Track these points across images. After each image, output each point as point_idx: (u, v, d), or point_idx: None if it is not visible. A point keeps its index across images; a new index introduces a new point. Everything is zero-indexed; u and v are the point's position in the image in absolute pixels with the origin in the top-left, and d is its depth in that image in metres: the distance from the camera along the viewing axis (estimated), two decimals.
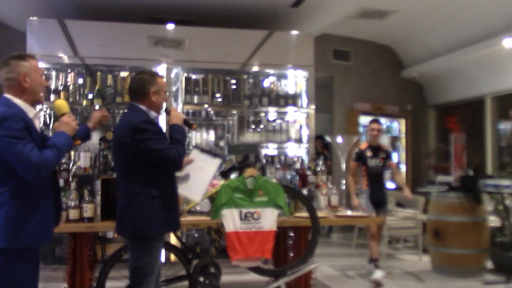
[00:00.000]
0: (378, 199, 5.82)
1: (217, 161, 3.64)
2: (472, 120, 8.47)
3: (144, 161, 3.08)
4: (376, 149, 5.94)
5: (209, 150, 3.81)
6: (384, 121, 9.38)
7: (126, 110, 3.39)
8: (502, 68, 7.93)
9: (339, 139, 4.96)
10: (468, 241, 5.80)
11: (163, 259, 5.42)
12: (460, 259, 5.83)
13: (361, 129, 8.92)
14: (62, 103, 2.91)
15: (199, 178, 3.51)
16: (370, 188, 5.86)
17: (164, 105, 3.38)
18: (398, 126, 9.52)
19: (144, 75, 3.29)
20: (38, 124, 2.81)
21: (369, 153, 5.89)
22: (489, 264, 6.08)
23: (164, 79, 6.01)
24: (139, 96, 3.23)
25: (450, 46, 8.37)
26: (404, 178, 6.21)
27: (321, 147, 9.32)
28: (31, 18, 5.92)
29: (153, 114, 3.26)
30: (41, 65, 5.89)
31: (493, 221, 6.31)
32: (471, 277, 5.79)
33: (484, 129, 8.53)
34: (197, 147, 3.51)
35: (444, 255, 5.93)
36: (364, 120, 9.05)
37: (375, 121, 6.02)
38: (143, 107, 3.22)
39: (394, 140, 9.55)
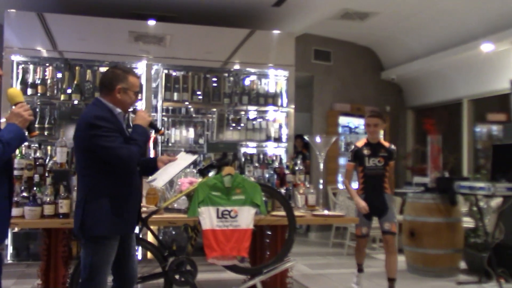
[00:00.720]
0: (375, 208, 4.95)
1: (192, 156, 3.65)
2: (449, 123, 8.60)
3: (97, 157, 2.99)
4: (376, 146, 5.05)
5: (195, 151, 3.82)
6: (363, 121, 9.46)
7: (90, 103, 3.23)
8: (480, 72, 8.06)
9: (318, 139, 4.98)
10: (443, 242, 5.88)
11: (139, 256, 5.42)
12: (434, 259, 5.91)
13: (340, 129, 8.99)
14: (15, 92, 2.64)
15: (170, 170, 3.49)
16: (365, 193, 5.01)
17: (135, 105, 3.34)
18: None
19: (117, 70, 3.16)
20: None
21: (366, 151, 5.02)
22: (463, 265, 6.19)
23: (143, 77, 6.05)
24: (105, 90, 3.13)
25: (429, 49, 8.48)
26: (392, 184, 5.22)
27: (301, 147, 9.37)
28: (8, 10, 5.83)
29: (117, 110, 3.12)
30: (18, 58, 5.85)
31: (467, 222, 6.43)
32: (445, 277, 5.87)
33: (461, 131, 8.67)
34: (185, 150, 3.50)
35: (418, 255, 6.01)
36: (343, 120, 9.13)
37: (371, 115, 5.14)
38: (106, 102, 3.10)
39: None
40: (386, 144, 5.14)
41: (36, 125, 5.84)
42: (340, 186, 8.77)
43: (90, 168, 3.03)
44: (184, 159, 3.60)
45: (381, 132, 5.36)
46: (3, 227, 2.56)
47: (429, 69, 8.82)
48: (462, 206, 6.51)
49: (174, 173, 3.50)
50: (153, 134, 6.03)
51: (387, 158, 5.02)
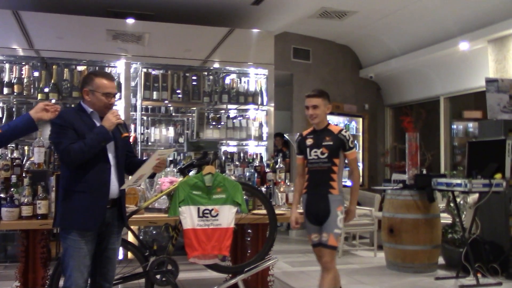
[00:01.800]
0: (315, 212, 3.90)
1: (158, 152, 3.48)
2: (427, 120, 8.71)
3: None
4: (321, 134, 3.97)
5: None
6: (342, 119, 9.55)
7: None
8: (456, 70, 8.19)
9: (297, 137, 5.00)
10: (421, 238, 5.96)
11: (120, 256, 5.37)
12: (413, 255, 5.99)
13: None
14: None
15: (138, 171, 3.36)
16: (307, 194, 4.00)
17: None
18: (356, 125, 9.70)
19: (90, 73, 3.37)
20: None
21: (309, 141, 4.00)
22: (441, 260, 6.28)
23: (122, 76, 6.00)
24: (80, 92, 3.35)
25: (406, 47, 8.58)
26: (357, 186, 4.13)
27: (281, 145, 9.40)
28: None
29: (88, 109, 3.22)
30: None
31: (445, 218, 6.53)
32: (423, 273, 5.96)
33: (438, 128, 8.80)
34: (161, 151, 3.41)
35: (397, 251, 6.09)
36: None
37: (309, 94, 4.03)
38: (82, 103, 3.25)
39: (352, 138, 9.69)
40: (335, 129, 3.98)
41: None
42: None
43: (61, 163, 3.27)
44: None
45: (324, 114, 3.99)
46: None
47: (406, 67, 8.93)
48: (439, 202, 6.61)
49: (139, 176, 3.36)
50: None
51: (333, 149, 3.89)
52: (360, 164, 9.60)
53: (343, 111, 9.39)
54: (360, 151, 9.64)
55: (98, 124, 3.18)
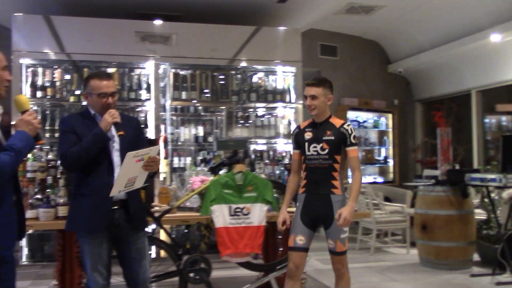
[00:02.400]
0: (315, 214, 3.56)
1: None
2: (458, 114, 8.56)
3: None
4: (321, 127, 3.60)
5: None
6: (371, 116, 9.46)
7: None
8: (488, 63, 8.02)
9: None
10: (455, 234, 5.87)
11: (153, 254, 5.45)
12: (447, 252, 5.90)
13: None
14: (23, 99, 2.63)
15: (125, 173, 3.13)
16: (306, 194, 3.61)
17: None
18: (385, 121, 9.59)
19: (87, 76, 3.31)
20: None
21: (308, 134, 3.62)
22: (476, 257, 6.17)
23: (151, 77, 6.06)
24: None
25: (436, 41, 8.44)
26: (358, 187, 3.56)
27: None
28: (15, 14, 5.85)
29: (92, 112, 3.21)
30: (27, 61, 5.87)
31: (479, 214, 6.40)
32: (458, 270, 5.86)
33: (470, 123, 8.63)
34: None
35: (431, 248, 6.00)
36: (351, 115, 9.11)
37: (308, 83, 3.67)
38: (88, 106, 3.25)
39: (381, 134, 9.63)
40: (338, 122, 3.61)
41: (47, 127, 5.89)
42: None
43: None
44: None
45: (325, 105, 3.60)
46: (12, 233, 2.52)
47: (436, 61, 8.79)
48: (473, 198, 6.49)
49: (121, 178, 3.07)
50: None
51: (335, 144, 3.52)
52: (391, 160, 9.50)
53: (372, 107, 9.30)
54: (390, 147, 9.53)
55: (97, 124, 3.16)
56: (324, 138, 3.53)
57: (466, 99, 8.75)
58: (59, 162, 3.23)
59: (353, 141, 3.53)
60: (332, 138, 3.52)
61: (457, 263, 5.91)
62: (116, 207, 3.13)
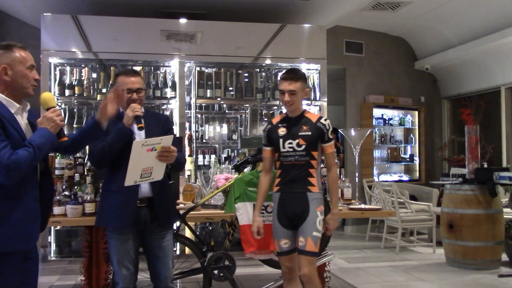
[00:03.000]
0: (291, 213, 3.37)
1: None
2: (486, 112, 8.40)
3: None
4: (296, 122, 3.45)
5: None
6: (397, 113, 9.35)
7: None
8: None
9: (352, 132, 4.95)
10: (483, 234, 5.77)
11: (177, 251, 5.50)
12: (474, 251, 5.80)
13: (374, 122, 8.90)
14: (48, 96, 2.62)
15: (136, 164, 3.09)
16: (281, 193, 3.43)
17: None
18: (411, 118, 9.48)
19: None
20: (22, 120, 2.57)
21: (282, 130, 3.44)
22: (504, 257, 6.05)
23: (176, 75, 6.11)
24: None
25: (464, 37, 8.30)
26: (336, 187, 3.54)
27: (335, 140, 9.32)
28: (44, 14, 5.97)
29: (120, 109, 3.18)
30: (55, 60, 5.98)
31: (508, 213, 6.27)
32: (485, 270, 5.76)
33: (499, 120, 8.46)
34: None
35: (458, 247, 5.91)
36: (377, 112, 9.03)
37: (284, 77, 3.42)
38: None
39: (408, 132, 9.51)
40: (313, 117, 3.46)
41: (74, 125, 5.99)
42: (376, 178, 8.69)
43: None
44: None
45: (301, 100, 3.46)
46: (34, 228, 2.55)
47: (464, 57, 8.63)
48: (502, 197, 6.36)
49: (133, 169, 3.04)
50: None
51: (312, 139, 3.37)
52: (417, 158, 9.38)
53: (398, 104, 9.19)
54: (417, 145, 9.41)
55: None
56: (300, 133, 3.38)
57: (495, 96, 8.58)
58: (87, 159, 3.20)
59: (330, 136, 3.44)
60: (309, 133, 3.38)
61: (484, 263, 5.81)
62: (143, 205, 3.15)
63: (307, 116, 3.45)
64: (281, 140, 3.40)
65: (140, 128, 3.08)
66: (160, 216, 3.21)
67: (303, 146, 3.36)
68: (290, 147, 3.37)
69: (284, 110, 3.55)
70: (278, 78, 6.59)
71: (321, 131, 3.39)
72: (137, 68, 6.30)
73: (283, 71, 3.57)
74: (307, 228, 3.31)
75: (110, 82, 6.05)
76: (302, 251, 3.30)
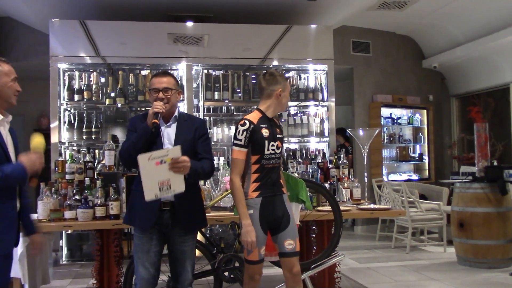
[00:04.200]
0: (275, 218, 3.33)
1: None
2: (495, 109, 8.35)
3: None
4: (273, 123, 3.40)
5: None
6: (405, 112, 9.32)
7: None
8: None
9: (361, 132, 4.94)
10: (494, 232, 5.74)
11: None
12: (486, 250, 5.77)
13: (382, 121, 8.88)
14: (40, 142, 2.80)
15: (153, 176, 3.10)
16: (263, 197, 3.28)
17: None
18: (420, 117, 9.44)
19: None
20: (4, 130, 2.75)
21: (265, 131, 3.30)
22: None
23: (184, 78, 6.14)
24: None
25: (471, 35, 8.26)
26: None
27: (343, 140, 9.30)
28: (53, 20, 6.02)
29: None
30: (64, 65, 6.03)
31: None
32: (497, 268, 5.73)
33: (508, 117, 8.41)
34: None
35: (469, 246, 5.88)
36: (385, 111, 9.01)
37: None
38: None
39: (416, 131, 9.48)
40: (276, 119, 3.48)
41: (84, 130, 6.03)
42: (385, 178, 8.67)
43: None
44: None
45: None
46: (12, 234, 2.72)
47: (472, 55, 8.59)
48: None
49: (149, 185, 3.06)
50: None
51: (282, 142, 3.45)
52: (426, 157, 9.34)
53: (407, 103, 9.16)
54: (426, 143, 9.37)
55: (161, 124, 3.27)
56: (277, 136, 3.38)
57: (504, 93, 8.53)
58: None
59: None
60: (281, 136, 3.43)
61: (496, 261, 5.78)
62: (166, 208, 3.19)
63: (273, 118, 3.44)
64: (266, 141, 3.28)
65: (154, 124, 3.08)
66: (183, 220, 3.23)
67: (280, 149, 3.39)
68: (272, 149, 3.32)
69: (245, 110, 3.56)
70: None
71: (282, 134, 3.49)
72: (145, 72, 6.34)
73: (266, 72, 3.48)
74: (293, 229, 3.37)
75: (119, 86, 6.10)
76: (293, 253, 3.34)
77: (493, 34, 7.75)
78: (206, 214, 4.04)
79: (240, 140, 3.22)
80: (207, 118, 6.65)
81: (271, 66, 6.60)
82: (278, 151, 3.35)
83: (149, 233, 3.21)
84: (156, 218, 3.17)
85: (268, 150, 3.28)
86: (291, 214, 3.41)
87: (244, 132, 3.22)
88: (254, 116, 3.32)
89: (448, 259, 6.38)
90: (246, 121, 3.25)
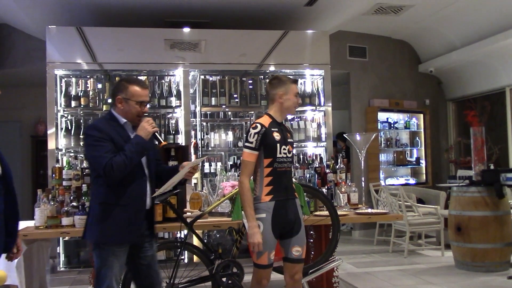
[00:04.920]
0: (288, 223, 3.37)
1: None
2: (491, 113, 8.38)
3: None
4: (283, 127, 3.49)
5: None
6: (402, 116, 9.35)
7: None
8: None
9: (357, 137, 4.95)
10: (491, 236, 5.75)
11: (186, 259, 5.51)
12: (483, 254, 5.78)
13: (379, 125, 8.90)
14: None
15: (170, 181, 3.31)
16: (277, 203, 3.31)
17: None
18: (417, 121, 9.47)
19: (119, 82, 3.25)
20: None
21: (277, 135, 3.35)
22: None
23: (181, 84, 6.14)
24: (112, 101, 3.23)
25: (467, 39, 8.30)
26: None
27: (344, 144, 9.33)
28: (50, 26, 6.02)
29: (123, 120, 3.15)
30: (61, 72, 6.04)
31: None
32: (495, 272, 5.74)
33: (505, 121, 8.44)
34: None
35: (466, 250, 5.89)
36: (382, 116, 9.03)
37: (294, 80, 3.51)
38: (114, 112, 3.17)
39: (413, 135, 9.50)
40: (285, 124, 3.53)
41: (81, 136, 6.02)
42: (382, 182, 8.68)
43: (99, 177, 3.07)
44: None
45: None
46: None
47: (468, 59, 8.63)
48: (510, 198, 6.34)
49: (168, 185, 3.27)
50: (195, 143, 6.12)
51: (292, 146, 3.50)
52: (423, 161, 9.37)
53: (403, 108, 9.19)
54: (423, 147, 9.40)
55: (131, 134, 3.14)
56: (288, 140, 3.43)
57: (500, 97, 8.56)
58: (100, 172, 2.98)
59: None
60: (291, 140, 3.49)
61: (494, 265, 5.79)
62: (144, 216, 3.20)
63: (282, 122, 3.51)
64: (278, 145, 3.32)
65: (164, 146, 3.15)
66: (153, 226, 3.32)
67: (291, 153, 3.42)
68: (284, 153, 3.35)
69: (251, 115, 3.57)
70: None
71: (293, 138, 3.54)
72: (142, 78, 6.34)
73: (272, 77, 3.52)
74: (302, 236, 3.40)
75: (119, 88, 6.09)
76: (299, 259, 3.38)
77: (489, 38, 7.79)
78: (204, 220, 4.06)
79: (252, 143, 3.27)
80: (204, 123, 6.66)
81: (267, 71, 6.61)
82: (289, 155, 3.38)
83: (124, 246, 3.13)
84: (141, 227, 3.17)
85: (280, 153, 3.32)
86: (302, 220, 3.41)
87: (256, 135, 3.27)
88: (265, 120, 3.37)
89: (446, 263, 6.38)
90: (258, 125, 3.30)
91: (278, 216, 3.29)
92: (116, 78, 6.16)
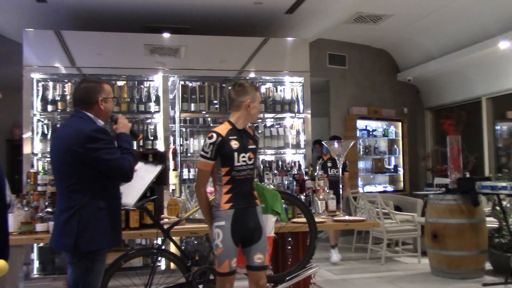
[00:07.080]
0: (248, 231, 3.36)
1: (157, 169, 3.58)
2: (468, 122, 8.52)
3: (92, 171, 2.92)
4: (243, 135, 3.43)
5: (152, 161, 3.73)
6: (380, 124, 9.44)
7: (71, 117, 3.14)
8: (498, 69, 7.99)
9: (335, 144, 4.98)
10: (466, 243, 5.82)
11: (163, 266, 5.47)
12: (459, 261, 5.85)
13: (358, 133, 8.97)
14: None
15: (138, 185, 3.38)
16: (235, 209, 3.31)
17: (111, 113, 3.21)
18: (395, 129, 9.57)
19: (90, 84, 3.12)
20: None
21: (235, 143, 3.33)
22: (488, 266, 6.11)
23: (160, 89, 6.11)
24: (85, 105, 3.06)
25: (445, 49, 8.43)
26: None
27: (320, 152, 9.34)
28: (27, 30, 5.94)
29: (100, 122, 3.08)
30: (38, 76, 5.96)
31: (491, 222, 6.35)
32: (470, 279, 5.80)
33: (481, 130, 8.58)
34: (142, 159, 3.39)
35: (442, 257, 5.95)
36: (361, 124, 9.11)
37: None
38: (90, 115, 3.05)
39: (391, 143, 9.60)
40: (249, 130, 3.51)
41: None
42: (361, 189, 8.74)
43: (86, 181, 2.93)
44: (148, 172, 3.53)
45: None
46: None
47: (446, 69, 8.76)
48: (484, 206, 6.43)
49: (143, 187, 3.35)
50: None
51: (256, 153, 3.47)
52: (401, 169, 9.47)
53: (382, 116, 9.29)
54: (401, 155, 9.50)
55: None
56: (249, 147, 3.39)
57: (476, 106, 8.71)
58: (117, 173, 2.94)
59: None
60: (254, 146, 3.43)
61: (469, 272, 5.86)
62: None
63: (246, 129, 3.47)
64: (235, 153, 3.30)
65: (139, 140, 3.18)
66: None
67: (252, 160, 3.39)
68: (243, 161, 3.33)
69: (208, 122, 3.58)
70: (262, 91, 6.64)
71: (257, 145, 3.48)
72: (121, 83, 6.30)
73: (236, 83, 3.48)
74: (264, 244, 3.41)
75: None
76: (261, 267, 3.40)
77: (465, 49, 7.93)
78: (181, 227, 4.03)
79: (207, 152, 3.27)
80: (184, 129, 6.63)
81: (247, 78, 6.61)
82: (250, 162, 3.36)
83: (105, 254, 3.05)
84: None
85: (238, 162, 3.30)
86: (264, 227, 3.42)
87: (211, 146, 3.26)
88: (223, 128, 3.35)
89: (422, 270, 6.44)
90: (214, 134, 3.29)
91: (238, 224, 3.29)
92: None
